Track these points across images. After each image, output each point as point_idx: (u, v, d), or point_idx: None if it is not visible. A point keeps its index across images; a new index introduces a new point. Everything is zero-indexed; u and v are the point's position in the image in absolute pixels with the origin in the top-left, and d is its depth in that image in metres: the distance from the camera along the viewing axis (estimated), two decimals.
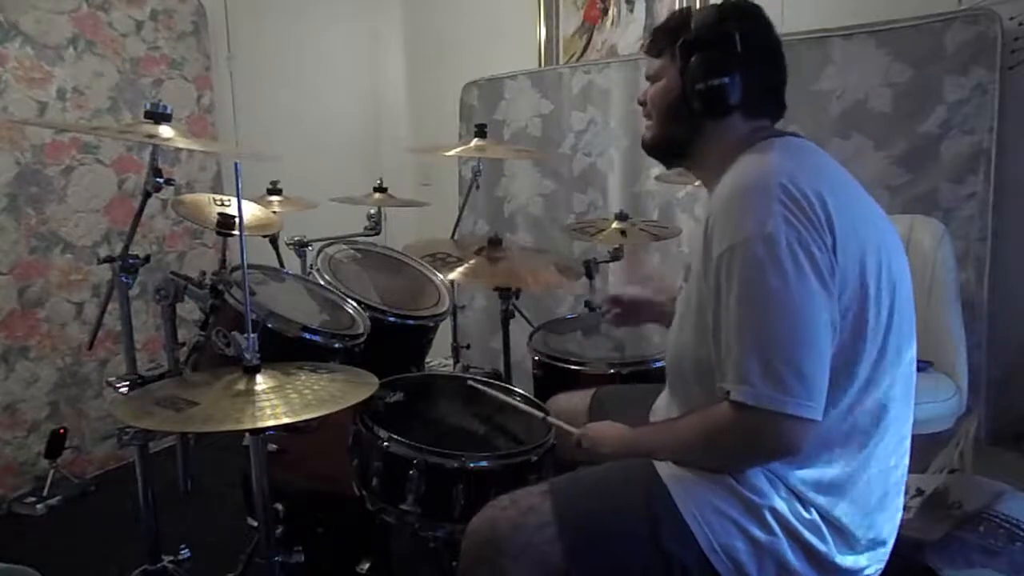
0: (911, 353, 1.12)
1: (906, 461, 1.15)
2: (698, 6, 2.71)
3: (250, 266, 1.41)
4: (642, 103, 1.28)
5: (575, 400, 1.59)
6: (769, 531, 1.05)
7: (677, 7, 2.86)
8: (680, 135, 1.21)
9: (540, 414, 1.48)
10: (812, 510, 1.06)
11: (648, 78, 1.26)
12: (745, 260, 1.00)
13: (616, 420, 1.29)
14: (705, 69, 1.13)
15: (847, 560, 1.07)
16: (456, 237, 2.63)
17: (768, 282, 0.98)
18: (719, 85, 1.12)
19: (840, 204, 1.03)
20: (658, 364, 1.82)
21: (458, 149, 2.34)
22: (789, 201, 1.00)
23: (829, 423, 1.04)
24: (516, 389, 1.71)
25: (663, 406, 1.30)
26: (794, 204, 1.00)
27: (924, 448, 1.84)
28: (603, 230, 2.31)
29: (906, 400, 1.12)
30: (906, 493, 1.18)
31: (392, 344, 1.85)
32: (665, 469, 1.13)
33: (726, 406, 1.02)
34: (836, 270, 1.00)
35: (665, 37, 1.21)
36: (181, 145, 1.74)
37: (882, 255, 1.06)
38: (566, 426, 1.37)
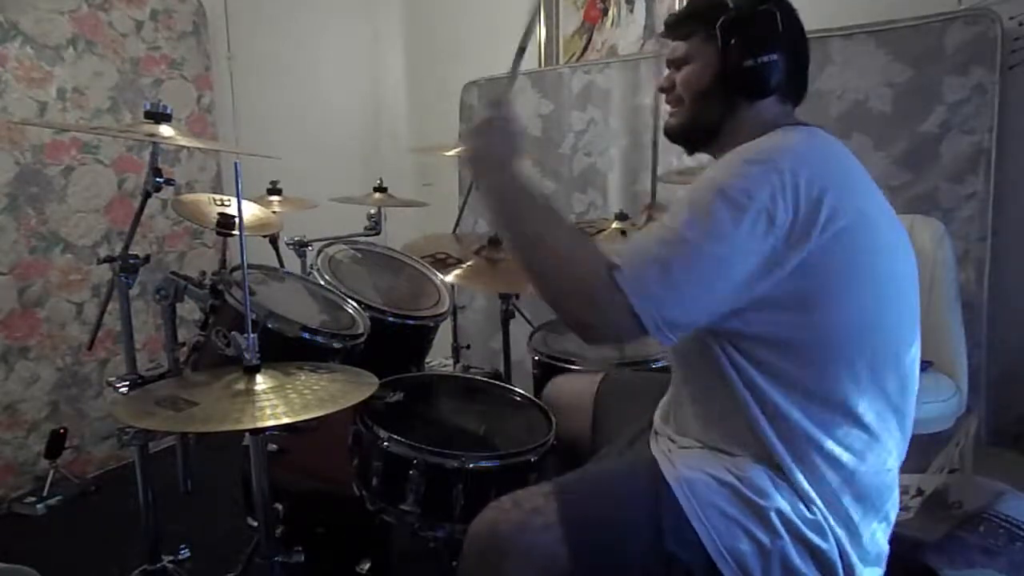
0: (914, 353, 1.12)
1: (903, 456, 1.14)
2: None
3: (250, 266, 1.41)
4: (666, 89, 1.25)
5: (581, 384, 1.58)
6: (774, 533, 1.05)
7: (677, 7, 2.85)
8: (713, 117, 1.19)
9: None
10: (816, 510, 1.06)
11: (672, 63, 1.23)
12: (710, 191, 1.01)
13: (622, 407, 1.27)
14: (753, 47, 1.12)
15: (848, 562, 1.07)
16: (456, 237, 2.63)
17: (717, 213, 0.98)
18: (768, 63, 1.11)
19: (845, 203, 1.01)
20: (658, 364, 1.82)
21: (458, 149, 2.34)
22: (788, 186, 0.99)
23: (833, 423, 1.05)
24: (516, 388, 1.71)
25: (673, 398, 1.30)
26: (792, 191, 0.99)
27: (924, 448, 1.84)
28: (603, 230, 2.31)
29: (907, 400, 1.12)
30: (906, 493, 1.18)
31: (392, 344, 1.85)
32: (672, 473, 1.12)
33: (607, 263, 1.01)
34: (793, 249, 0.99)
35: (697, 18, 1.19)
36: (182, 143, 1.74)
37: (889, 255, 1.06)
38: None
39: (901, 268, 1.11)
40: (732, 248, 0.98)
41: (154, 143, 1.54)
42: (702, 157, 1.29)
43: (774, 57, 1.11)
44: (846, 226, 1.00)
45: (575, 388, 1.58)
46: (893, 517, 1.14)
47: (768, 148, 1.06)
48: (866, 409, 1.06)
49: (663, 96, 1.27)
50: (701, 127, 1.22)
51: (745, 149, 1.07)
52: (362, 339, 1.66)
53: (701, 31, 1.18)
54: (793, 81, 1.17)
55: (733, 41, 1.13)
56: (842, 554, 1.06)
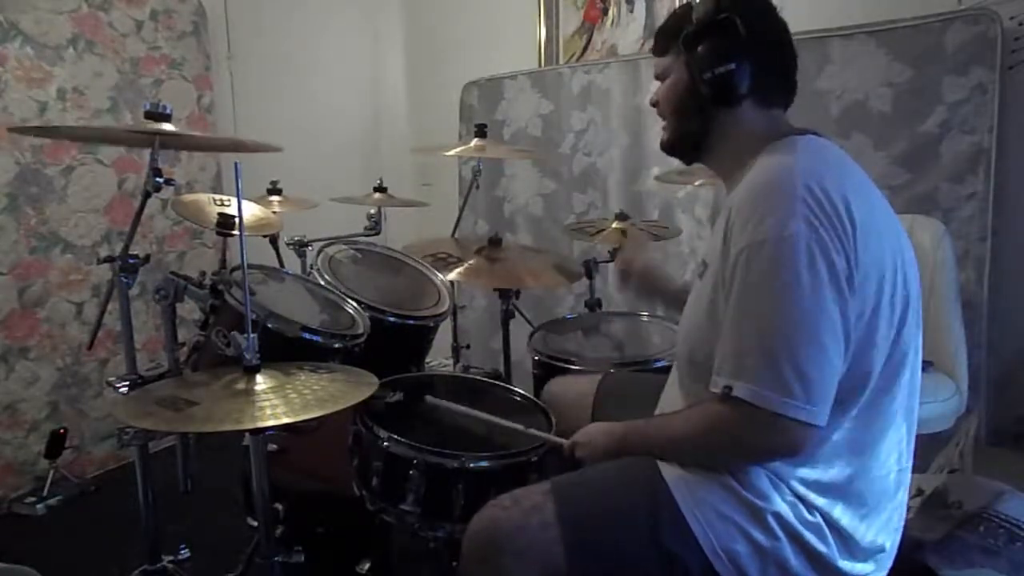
0: (918, 358, 1.12)
1: (909, 463, 1.14)
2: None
3: (250, 266, 1.41)
4: (655, 104, 1.27)
5: (581, 385, 1.58)
6: (772, 535, 1.05)
7: (677, 6, 2.85)
8: (694, 129, 1.21)
9: (519, 427, 1.42)
10: (815, 512, 1.06)
11: (657, 78, 1.26)
12: (761, 259, 0.99)
13: (620, 408, 1.28)
14: (711, 57, 1.12)
15: (846, 564, 1.07)
16: (456, 237, 2.63)
17: (781, 283, 0.98)
18: (727, 72, 1.11)
19: (862, 207, 1.02)
20: (658, 364, 1.82)
21: (458, 149, 2.34)
22: (813, 203, 0.99)
23: (840, 427, 1.04)
24: (516, 388, 1.71)
25: (669, 400, 1.30)
26: (818, 207, 0.99)
27: (924, 448, 1.83)
28: (603, 230, 2.31)
29: (910, 404, 1.12)
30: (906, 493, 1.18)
31: (392, 344, 1.85)
32: (669, 471, 1.13)
33: (725, 402, 1.01)
34: (855, 277, 1.00)
35: (668, 34, 1.21)
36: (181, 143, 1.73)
37: (896, 259, 1.06)
38: (552, 438, 1.37)
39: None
40: (807, 298, 0.97)
41: (154, 143, 1.54)
42: None
43: (732, 66, 1.11)
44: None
45: (575, 389, 1.58)
46: (900, 517, 1.14)
47: (774, 179, 1.06)
48: (868, 411, 1.06)
49: None
50: (686, 140, 1.24)
51: (753, 196, 1.06)
52: (362, 339, 1.66)
53: (672, 46, 1.19)
54: (769, 85, 1.16)
55: (697, 52, 1.13)
56: (841, 555, 1.06)
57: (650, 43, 1.31)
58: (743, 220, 1.03)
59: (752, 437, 1.02)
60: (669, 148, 1.27)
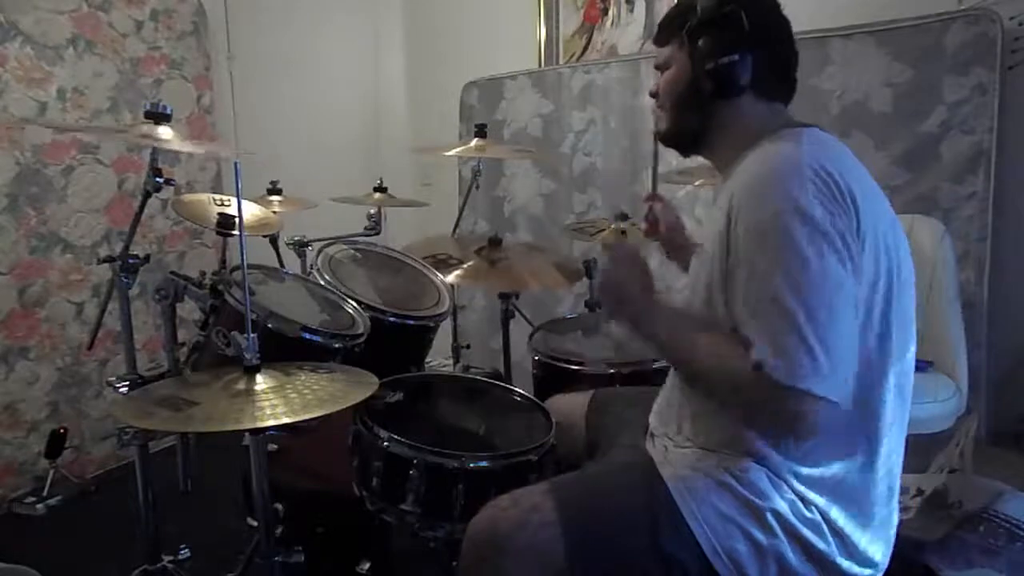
0: (911, 353, 1.12)
1: (900, 461, 1.14)
2: None
3: (250, 266, 1.41)
4: (654, 94, 1.27)
5: (574, 401, 1.58)
6: (771, 533, 1.05)
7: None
8: (694, 121, 1.21)
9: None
10: (814, 509, 1.06)
11: (657, 68, 1.26)
12: (779, 232, 0.98)
13: (615, 421, 1.27)
14: (714, 49, 1.12)
15: (845, 563, 1.07)
16: (456, 237, 2.63)
17: (803, 255, 0.96)
18: (729, 64, 1.11)
19: (864, 195, 1.02)
20: (658, 364, 1.82)
21: (458, 149, 2.34)
22: (820, 183, 0.99)
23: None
24: (516, 388, 1.71)
25: (669, 400, 1.29)
26: (825, 186, 0.99)
27: (924, 448, 1.84)
28: (603, 230, 2.31)
29: (904, 401, 1.11)
30: (906, 493, 1.18)
31: (392, 344, 1.85)
32: (668, 471, 1.13)
33: (759, 373, 0.97)
34: (862, 258, 1.00)
35: (672, 24, 1.21)
36: (177, 148, 1.72)
37: (892, 252, 1.06)
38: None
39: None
40: (829, 271, 0.97)
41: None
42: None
43: (735, 58, 1.11)
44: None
45: (567, 406, 1.58)
46: (895, 517, 1.14)
47: (781, 162, 1.05)
48: (863, 412, 1.05)
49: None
50: (685, 131, 1.24)
51: (759, 176, 1.05)
52: (362, 339, 1.66)
53: (676, 37, 1.19)
54: (771, 79, 1.16)
55: (700, 44, 1.14)
56: (841, 553, 1.06)
57: (650, 43, 1.31)
58: (751, 199, 1.03)
59: (779, 412, 0.98)
60: (668, 138, 1.27)
